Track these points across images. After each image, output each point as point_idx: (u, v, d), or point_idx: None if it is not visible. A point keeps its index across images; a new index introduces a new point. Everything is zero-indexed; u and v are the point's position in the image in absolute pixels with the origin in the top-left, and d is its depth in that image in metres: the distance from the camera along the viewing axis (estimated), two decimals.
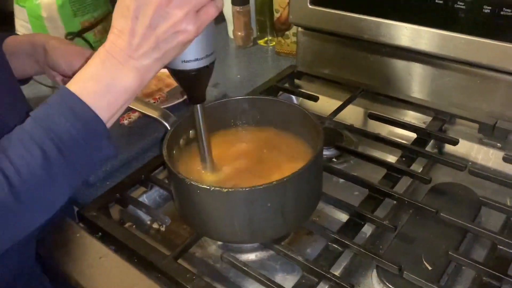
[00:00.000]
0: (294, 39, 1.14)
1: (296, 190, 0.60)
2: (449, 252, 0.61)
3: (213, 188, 0.57)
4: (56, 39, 0.79)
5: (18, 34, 0.82)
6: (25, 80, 0.82)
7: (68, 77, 0.76)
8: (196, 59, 0.55)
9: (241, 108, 0.75)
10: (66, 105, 0.50)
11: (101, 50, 0.51)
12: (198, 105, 0.61)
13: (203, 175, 0.67)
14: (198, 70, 0.56)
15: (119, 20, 0.50)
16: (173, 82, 1.01)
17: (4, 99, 0.61)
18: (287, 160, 0.69)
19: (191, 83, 0.58)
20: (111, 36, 0.51)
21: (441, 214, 0.65)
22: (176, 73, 0.57)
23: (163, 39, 0.49)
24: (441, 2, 0.79)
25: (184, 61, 0.55)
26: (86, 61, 0.74)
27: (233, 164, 0.70)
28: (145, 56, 0.50)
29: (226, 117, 0.76)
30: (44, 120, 0.49)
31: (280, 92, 1.01)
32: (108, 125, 0.52)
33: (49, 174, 0.49)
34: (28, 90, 0.79)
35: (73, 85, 0.51)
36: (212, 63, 0.57)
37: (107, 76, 0.50)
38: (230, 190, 0.57)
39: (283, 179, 0.57)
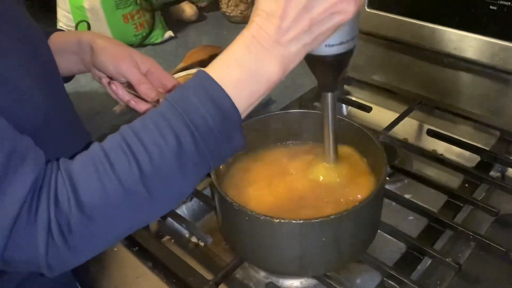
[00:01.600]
0: None
1: (354, 224, 0.54)
2: None
3: (263, 217, 0.53)
4: (104, 38, 0.73)
5: (62, 30, 0.78)
6: (69, 78, 0.78)
7: (114, 79, 0.72)
8: (341, 43, 0.48)
9: (296, 121, 0.70)
10: (205, 91, 0.45)
11: (246, 33, 0.46)
12: (330, 94, 0.55)
13: (252, 194, 0.63)
14: (342, 55, 0.49)
15: (268, 1, 0.45)
16: None
17: (49, 96, 0.57)
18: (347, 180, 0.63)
19: (329, 69, 0.52)
20: (257, 19, 0.46)
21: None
22: (315, 59, 0.50)
23: (317, 21, 0.44)
24: None
25: (328, 45, 0.48)
26: (134, 64, 0.71)
27: (284, 183, 0.65)
28: (294, 41, 0.45)
29: (275, 132, 0.71)
30: (180, 103, 0.45)
31: None
32: (243, 115, 0.47)
33: (180, 164, 0.45)
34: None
35: (215, 71, 0.46)
36: (355, 47, 0.50)
37: (252, 63, 0.46)
38: (282, 221, 0.52)
39: (341, 213, 0.51)
